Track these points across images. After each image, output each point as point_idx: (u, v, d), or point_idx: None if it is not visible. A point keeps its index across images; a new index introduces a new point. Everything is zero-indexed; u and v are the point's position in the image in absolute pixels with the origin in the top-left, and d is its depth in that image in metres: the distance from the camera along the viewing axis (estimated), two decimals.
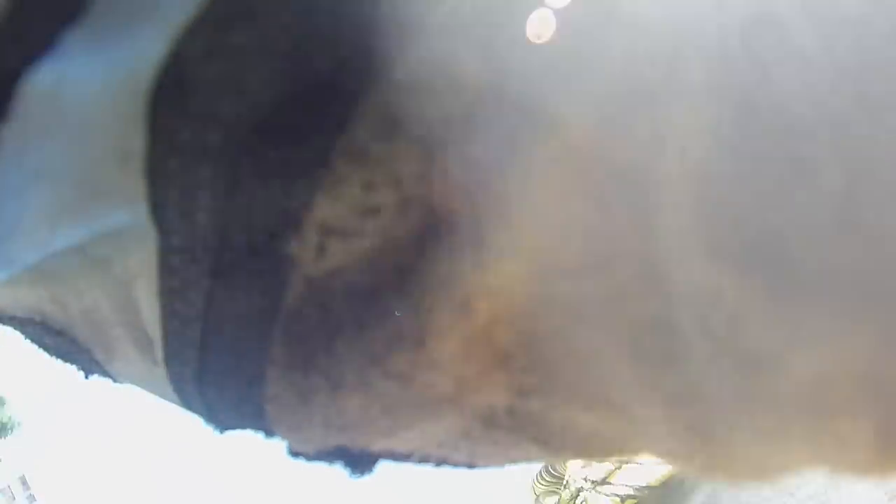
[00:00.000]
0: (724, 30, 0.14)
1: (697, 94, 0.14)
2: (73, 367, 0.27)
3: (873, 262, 0.12)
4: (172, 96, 0.16)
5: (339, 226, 0.17)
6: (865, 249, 0.12)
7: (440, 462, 0.22)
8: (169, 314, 0.20)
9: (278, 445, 0.22)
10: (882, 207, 0.12)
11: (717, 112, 0.14)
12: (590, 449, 0.19)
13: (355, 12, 0.16)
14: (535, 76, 0.16)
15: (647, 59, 0.15)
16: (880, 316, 0.12)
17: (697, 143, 0.14)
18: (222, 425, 0.23)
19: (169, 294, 0.20)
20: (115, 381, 0.27)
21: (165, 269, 0.19)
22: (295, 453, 0.23)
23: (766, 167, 0.13)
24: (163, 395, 0.24)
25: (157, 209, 0.18)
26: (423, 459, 0.22)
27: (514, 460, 0.21)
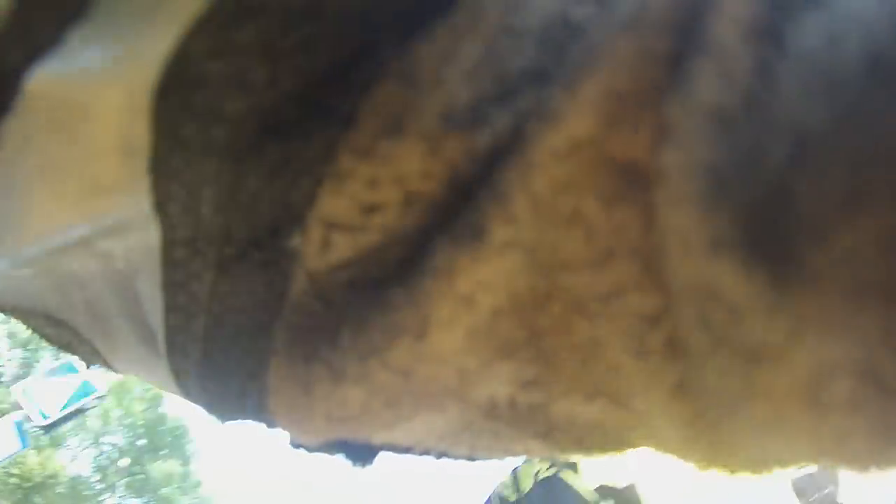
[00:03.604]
0: (727, 27, 0.14)
1: (700, 90, 0.14)
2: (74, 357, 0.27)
3: (875, 255, 0.12)
4: (178, 93, 0.16)
5: (342, 221, 0.17)
6: (868, 243, 0.12)
7: (441, 454, 0.22)
8: (172, 307, 0.20)
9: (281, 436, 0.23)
10: (885, 201, 0.12)
11: (720, 108, 0.14)
12: (590, 442, 0.20)
13: (361, 9, 0.16)
14: (539, 70, 0.16)
15: (650, 55, 0.15)
16: (882, 308, 0.12)
17: (700, 139, 0.14)
18: (224, 416, 0.23)
19: (172, 287, 0.20)
20: (116, 371, 0.27)
21: (169, 262, 0.19)
22: (296, 444, 0.23)
23: (768, 162, 0.13)
24: (165, 387, 0.24)
25: (161, 204, 0.18)
26: (425, 451, 0.22)
27: (515, 453, 0.22)
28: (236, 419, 0.23)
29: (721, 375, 0.15)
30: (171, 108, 0.17)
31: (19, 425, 3.74)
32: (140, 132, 0.17)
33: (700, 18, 0.14)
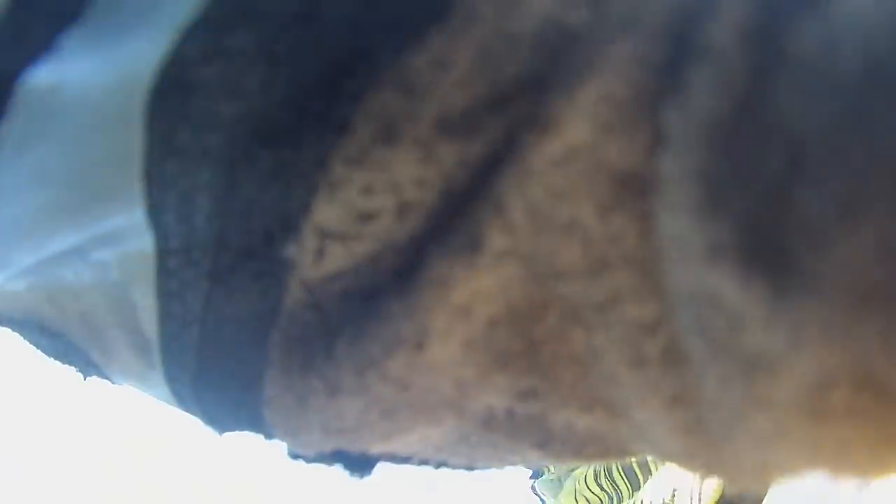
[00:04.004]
0: (724, 33, 0.14)
1: (697, 97, 0.14)
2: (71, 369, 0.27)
3: (875, 261, 0.12)
4: (171, 98, 0.16)
5: (337, 229, 0.17)
6: (868, 249, 0.12)
7: (439, 464, 0.22)
8: (166, 317, 0.20)
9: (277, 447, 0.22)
10: (885, 208, 0.12)
11: (717, 114, 0.14)
12: (589, 451, 0.19)
13: (354, 14, 0.16)
14: (534, 76, 0.16)
15: (646, 61, 0.15)
16: (882, 316, 0.12)
17: (697, 145, 0.14)
18: (220, 427, 0.23)
19: (166, 296, 0.19)
20: (112, 382, 0.27)
21: (163, 271, 0.19)
22: (294, 455, 0.23)
23: (766, 169, 0.13)
24: (160, 397, 0.24)
25: (155, 211, 0.18)
26: (423, 462, 0.22)
27: (513, 463, 0.22)
28: (233, 430, 0.23)
29: (720, 384, 0.15)
30: (164, 114, 0.17)
31: None
32: (134, 138, 0.17)
33: (696, 24, 0.14)
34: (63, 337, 0.25)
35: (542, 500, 1.15)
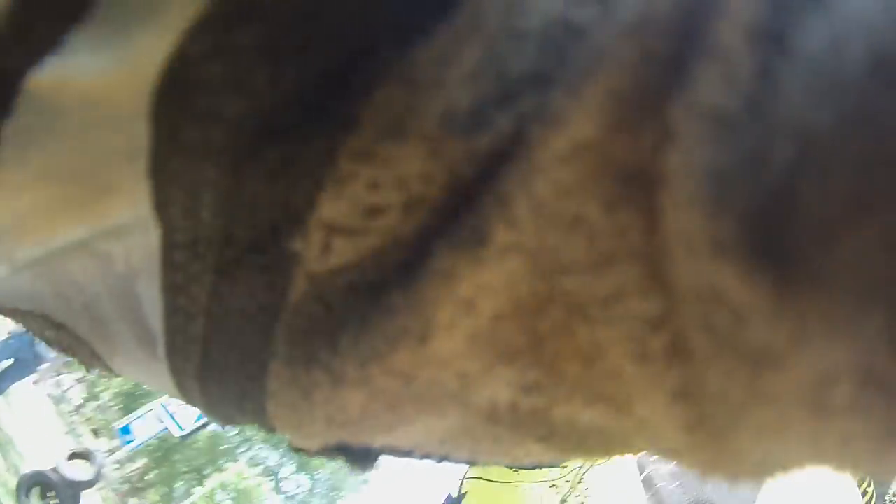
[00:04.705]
0: (731, 30, 0.14)
1: (704, 93, 0.14)
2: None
3: (880, 257, 0.12)
4: (177, 95, 0.16)
5: (343, 224, 0.17)
6: (873, 245, 0.12)
7: (442, 458, 0.22)
8: (172, 309, 0.20)
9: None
10: (890, 203, 0.12)
11: (723, 110, 0.14)
12: (591, 446, 0.19)
13: (360, 10, 0.16)
14: (540, 73, 0.16)
15: (653, 58, 0.15)
16: (886, 311, 0.12)
17: (703, 142, 0.14)
18: (224, 419, 0.23)
19: (172, 290, 0.20)
20: (116, 374, 0.27)
21: (169, 265, 0.19)
22: (296, 448, 0.23)
23: (772, 165, 0.13)
24: (164, 389, 0.24)
25: (161, 206, 0.18)
26: (426, 455, 0.22)
27: (516, 457, 0.22)
28: (236, 422, 0.23)
29: (724, 380, 0.15)
30: (170, 111, 0.17)
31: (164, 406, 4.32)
32: (140, 134, 0.17)
33: (703, 21, 0.14)
34: (67, 328, 0.25)
35: None
